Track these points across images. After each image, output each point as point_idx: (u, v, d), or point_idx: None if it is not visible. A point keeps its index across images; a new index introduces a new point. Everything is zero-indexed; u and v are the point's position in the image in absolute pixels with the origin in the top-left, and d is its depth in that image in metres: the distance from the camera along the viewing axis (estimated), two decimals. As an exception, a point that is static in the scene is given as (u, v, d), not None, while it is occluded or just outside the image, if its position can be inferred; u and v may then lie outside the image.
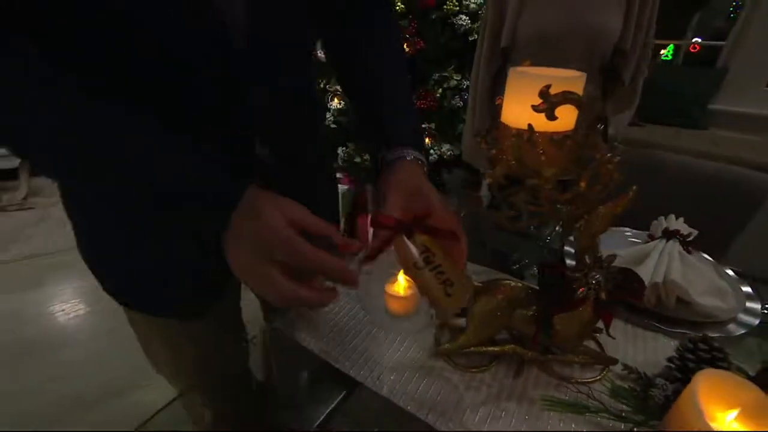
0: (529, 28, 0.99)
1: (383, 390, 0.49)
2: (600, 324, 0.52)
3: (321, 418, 0.48)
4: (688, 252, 0.67)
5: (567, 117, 0.33)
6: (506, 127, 0.37)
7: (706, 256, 0.76)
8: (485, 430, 0.45)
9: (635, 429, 0.46)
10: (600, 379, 0.52)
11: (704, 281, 0.61)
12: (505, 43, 1.04)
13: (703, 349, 0.49)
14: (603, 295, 0.47)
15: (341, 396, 0.50)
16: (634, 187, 0.42)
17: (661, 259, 0.64)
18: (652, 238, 0.72)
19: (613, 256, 0.47)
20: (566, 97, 0.31)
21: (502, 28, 1.04)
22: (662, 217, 0.75)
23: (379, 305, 0.46)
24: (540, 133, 0.34)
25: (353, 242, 0.37)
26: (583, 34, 0.94)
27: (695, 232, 0.72)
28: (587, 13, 0.93)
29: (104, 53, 0.34)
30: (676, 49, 2.96)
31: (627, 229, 0.82)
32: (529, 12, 0.99)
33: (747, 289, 0.66)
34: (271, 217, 0.34)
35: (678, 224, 0.73)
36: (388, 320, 0.45)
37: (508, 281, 0.52)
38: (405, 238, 0.37)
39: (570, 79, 0.33)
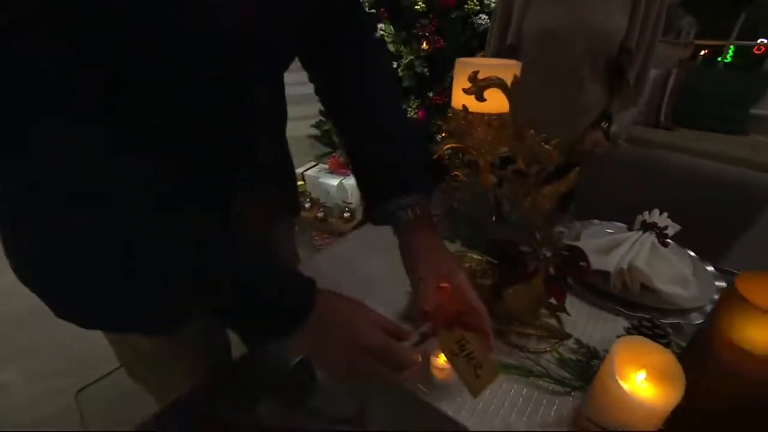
0: (533, 27, 1.01)
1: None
2: (553, 300, 0.56)
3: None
4: (664, 244, 0.69)
5: (497, 100, 0.38)
6: (452, 109, 0.42)
7: (691, 252, 0.76)
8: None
9: (572, 393, 0.50)
10: (551, 350, 0.56)
11: (670, 270, 0.63)
12: (511, 40, 1.07)
13: (646, 326, 0.52)
14: (551, 270, 0.51)
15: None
16: (577, 168, 0.46)
17: (632, 248, 0.67)
18: (630, 230, 0.74)
19: (561, 233, 0.50)
20: (491, 81, 0.36)
21: (510, 26, 1.07)
22: (646, 212, 0.77)
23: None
24: (474, 113, 0.39)
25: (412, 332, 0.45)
26: (584, 33, 0.96)
27: (676, 227, 0.73)
28: (588, 13, 0.95)
29: (104, 53, 0.34)
30: (719, 49, 2.81)
31: (610, 222, 0.83)
32: (533, 11, 1.01)
33: (721, 283, 0.67)
34: (368, 324, 0.41)
35: (660, 218, 0.74)
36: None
37: (471, 254, 0.57)
38: (447, 332, 0.45)
39: (497, 67, 0.37)
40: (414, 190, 0.51)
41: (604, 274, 0.67)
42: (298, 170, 2.35)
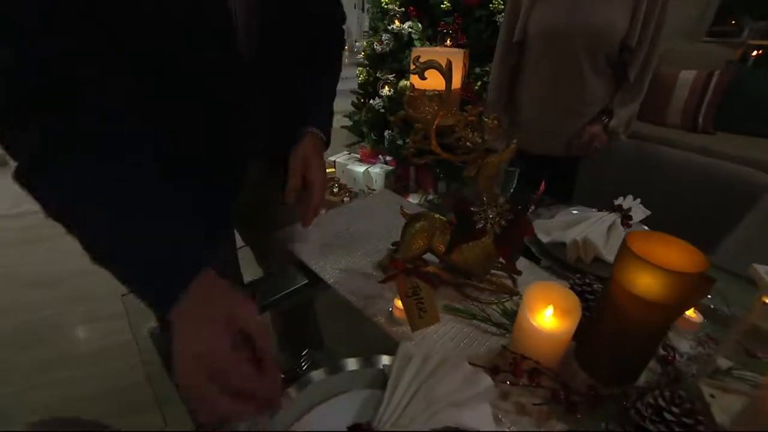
0: (537, 25, 1.06)
1: (334, 283, 0.67)
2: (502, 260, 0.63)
3: (285, 292, 0.68)
4: (627, 225, 0.73)
5: (436, 79, 0.46)
6: (403, 87, 0.51)
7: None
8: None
9: (506, 335, 0.58)
10: (497, 302, 0.63)
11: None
12: (517, 37, 1.12)
13: (578, 284, 0.58)
14: (496, 228, 0.59)
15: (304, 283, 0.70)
16: (515, 140, 0.53)
17: (593, 225, 0.72)
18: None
19: (505, 196, 0.58)
20: (429, 64, 0.45)
21: (517, 24, 1.12)
22: (621, 197, 0.81)
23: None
24: (418, 89, 0.48)
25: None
26: (585, 32, 0.99)
27: (646, 212, 0.77)
28: (590, 13, 0.97)
29: (135, 57, 0.43)
30: (773, 52, 2.58)
31: (590, 209, 0.88)
32: (538, 10, 1.05)
33: None
34: (217, 338, 0.35)
35: (632, 204, 0.78)
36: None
37: (435, 215, 0.66)
38: (405, 276, 0.55)
39: (436, 53, 0.46)
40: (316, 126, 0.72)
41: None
42: (330, 158, 2.50)
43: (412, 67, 0.48)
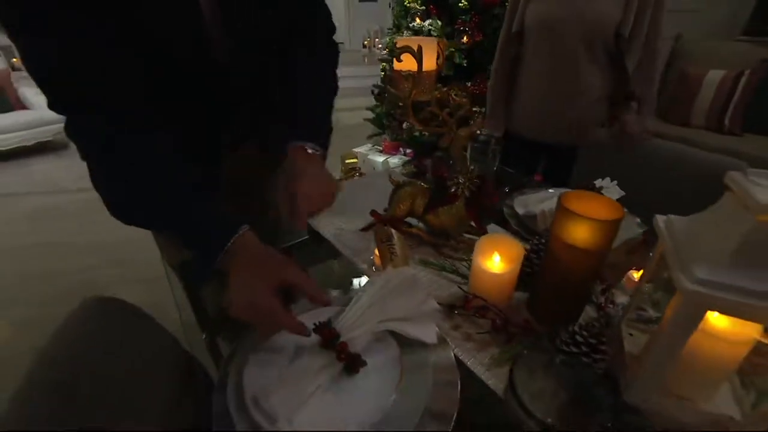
0: (534, 15, 1.10)
1: (331, 237, 0.77)
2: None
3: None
4: (598, 201, 0.78)
5: (410, 62, 0.55)
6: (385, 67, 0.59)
7: (625, 209, 0.84)
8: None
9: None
10: (467, 260, 0.71)
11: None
12: (516, 28, 1.16)
13: (536, 244, 0.65)
14: (466, 193, 0.67)
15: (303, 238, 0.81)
16: (479, 115, 0.61)
17: (564, 200, 0.78)
18: (576, 190, 0.84)
19: (490, 171, 0.66)
20: (404, 49, 0.53)
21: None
22: (599, 179, 0.86)
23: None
24: (395, 70, 0.56)
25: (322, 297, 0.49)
26: (579, 22, 1.02)
27: (621, 192, 0.82)
28: (583, 3, 1.01)
29: (140, 58, 0.49)
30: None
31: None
32: (534, 1, 1.10)
33: (642, 229, 0.76)
34: (263, 293, 0.45)
35: (609, 185, 0.83)
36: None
37: (416, 181, 0.75)
38: (381, 227, 0.65)
39: (411, 40, 0.54)
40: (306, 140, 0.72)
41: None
42: (354, 149, 2.61)
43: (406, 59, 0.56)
